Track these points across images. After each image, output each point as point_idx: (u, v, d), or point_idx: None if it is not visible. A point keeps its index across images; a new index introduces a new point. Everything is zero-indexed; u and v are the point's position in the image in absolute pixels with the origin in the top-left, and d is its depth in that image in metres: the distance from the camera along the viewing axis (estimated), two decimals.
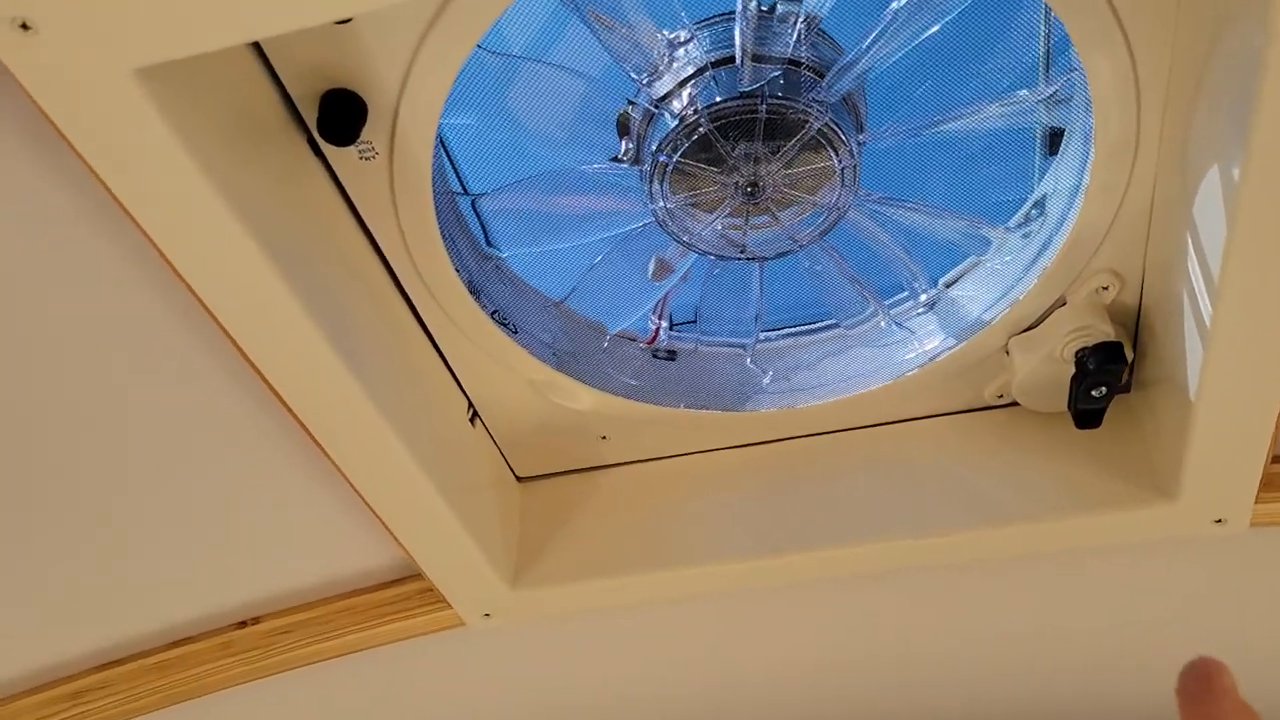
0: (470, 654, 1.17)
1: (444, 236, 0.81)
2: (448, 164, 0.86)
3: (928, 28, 0.75)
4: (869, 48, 0.77)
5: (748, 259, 0.91)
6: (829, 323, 1.02)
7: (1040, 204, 0.89)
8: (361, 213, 0.79)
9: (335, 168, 0.76)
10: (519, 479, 1.09)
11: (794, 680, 1.26)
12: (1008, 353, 0.94)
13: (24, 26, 0.54)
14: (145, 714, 1.13)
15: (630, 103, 0.82)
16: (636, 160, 0.83)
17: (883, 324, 0.99)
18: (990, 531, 0.95)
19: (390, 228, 0.80)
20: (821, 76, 0.79)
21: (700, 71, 0.79)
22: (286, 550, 1.01)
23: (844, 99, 0.81)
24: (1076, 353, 0.89)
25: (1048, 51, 0.81)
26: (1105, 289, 0.88)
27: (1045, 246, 0.87)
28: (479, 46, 0.70)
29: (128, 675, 1.09)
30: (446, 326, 0.89)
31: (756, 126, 0.79)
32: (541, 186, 0.89)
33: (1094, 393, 0.90)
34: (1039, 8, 0.78)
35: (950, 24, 0.76)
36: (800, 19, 0.78)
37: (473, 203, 0.89)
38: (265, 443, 0.88)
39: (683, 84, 0.79)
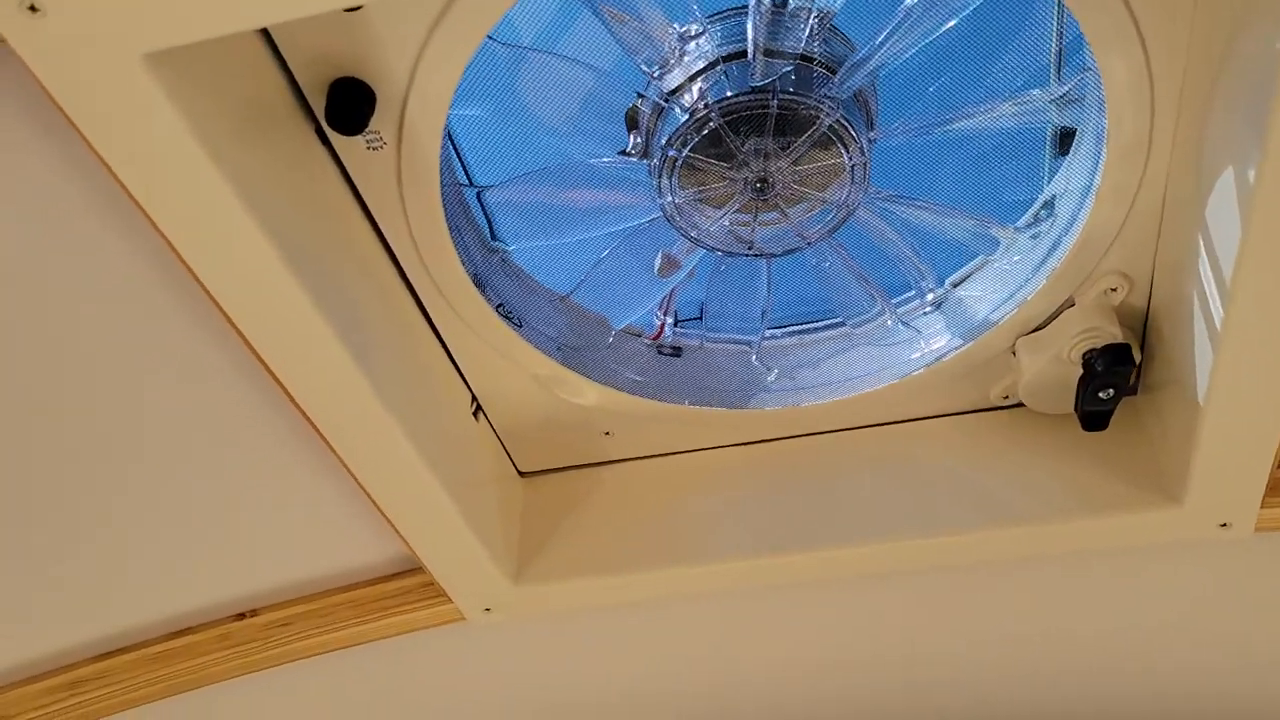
0: (471, 649, 1.16)
1: (450, 228, 0.81)
2: (454, 156, 0.86)
3: (941, 25, 0.75)
4: (881, 44, 0.77)
5: (755, 255, 0.90)
6: (835, 321, 1.02)
7: (1050, 204, 0.88)
8: (368, 203, 0.79)
9: (342, 157, 0.75)
10: (521, 474, 1.08)
11: (796, 680, 1.25)
12: (1014, 354, 0.93)
13: (32, 9, 0.53)
14: (142, 705, 1.12)
15: (640, 96, 0.81)
16: (645, 154, 0.83)
17: (889, 323, 0.98)
18: (995, 533, 0.94)
19: (396, 218, 0.79)
20: (833, 73, 0.79)
21: (711, 65, 0.78)
22: (287, 542, 1.01)
23: (855, 96, 0.81)
24: (1084, 354, 0.89)
25: (1060, 51, 0.80)
26: (1114, 291, 0.87)
27: (1054, 247, 0.87)
28: (489, 37, 0.70)
29: (126, 666, 1.09)
30: (451, 319, 0.89)
31: (767, 122, 0.78)
32: (549, 180, 0.88)
33: (1101, 395, 0.89)
34: (1052, 6, 0.78)
35: (963, 22, 0.76)
36: (813, 14, 0.77)
37: (478, 195, 0.88)
38: (268, 434, 0.88)
39: (693, 78, 0.79)
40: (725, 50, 0.78)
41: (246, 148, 0.65)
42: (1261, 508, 0.91)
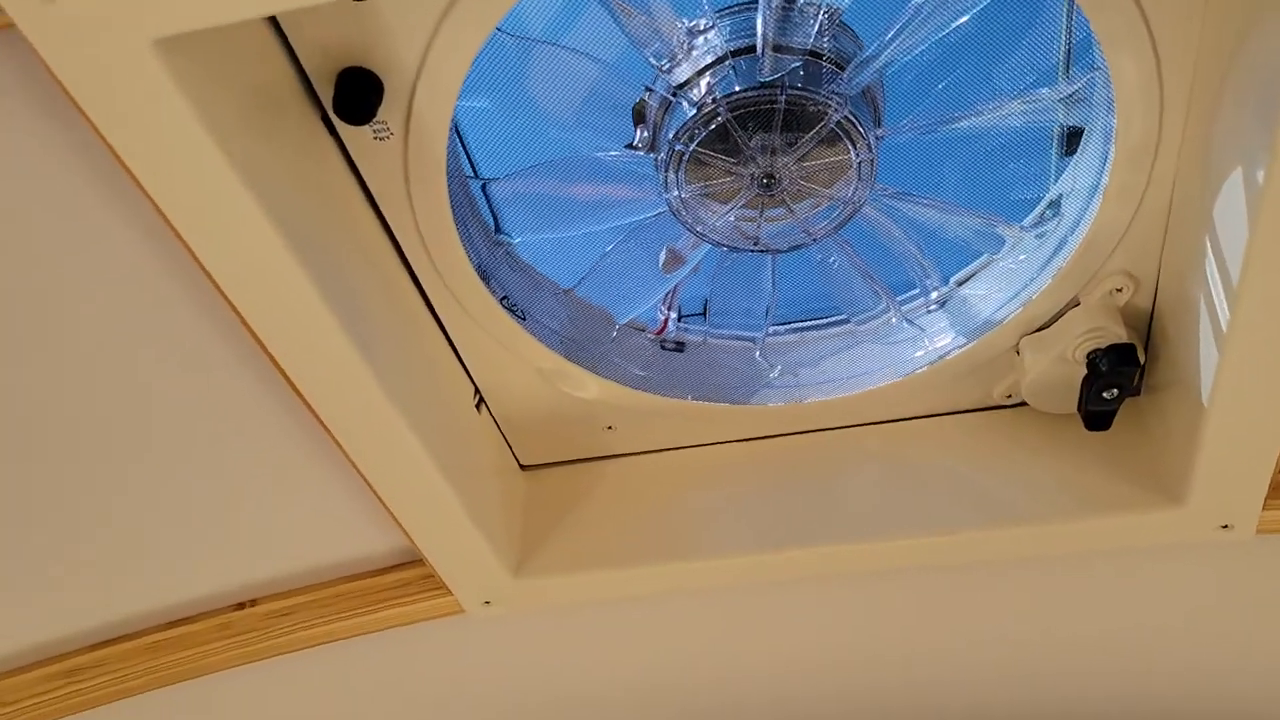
0: (470, 641, 1.16)
1: (456, 220, 0.81)
2: (460, 147, 0.86)
3: (951, 22, 0.75)
4: (890, 41, 0.77)
5: (760, 251, 0.90)
6: (839, 318, 1.02)
7: (1056, 204, 0.88)
8: (374, 193, 0.78)
9: (349, 147, 0.75)
10: (523, 467, 1.08)
11: (795, 677, 1.25)
12: (1018, 353, 0.93)
13: None
14: (140, 694, 1.12)
15: (648, 90, 0.81)
16: (652, 148, 0.83)
17: (893, 320, 0.98)
18: (996, 532, 0.94)
19: (402, 209, 0.79)
20: (841, 69, 0.79)
21: (720, 60, 0.78)
22: (287, 532, 1.00)
23: (863, 92, 0.80)
24: (1089, 354, 0.89)
25: (1069, 50, 0.80)
26: (1119, 291, 0.87)
27: (1060, 246, 0.87)
28: (497, 29, 0.70)
29: (124, 654, 1.09)
30: (456, 311, 0.89)
31: (775, 117, 0.78)
32: (554, 173, 0.88)
33: (1105, 395, 0.90)
34: (1062, 5, 0.78)
35: (972, 19, 0.75)
36: (822, 10, 0.77)
37: (484, 187, 0.88)
38: (270, 423, 0.88)
39: (701, 72, 0.78)
40: (734, 45, 0.78)
41: (254, 136, 0.65)
42: (1264, 510, 0.91)
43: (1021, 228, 0.90)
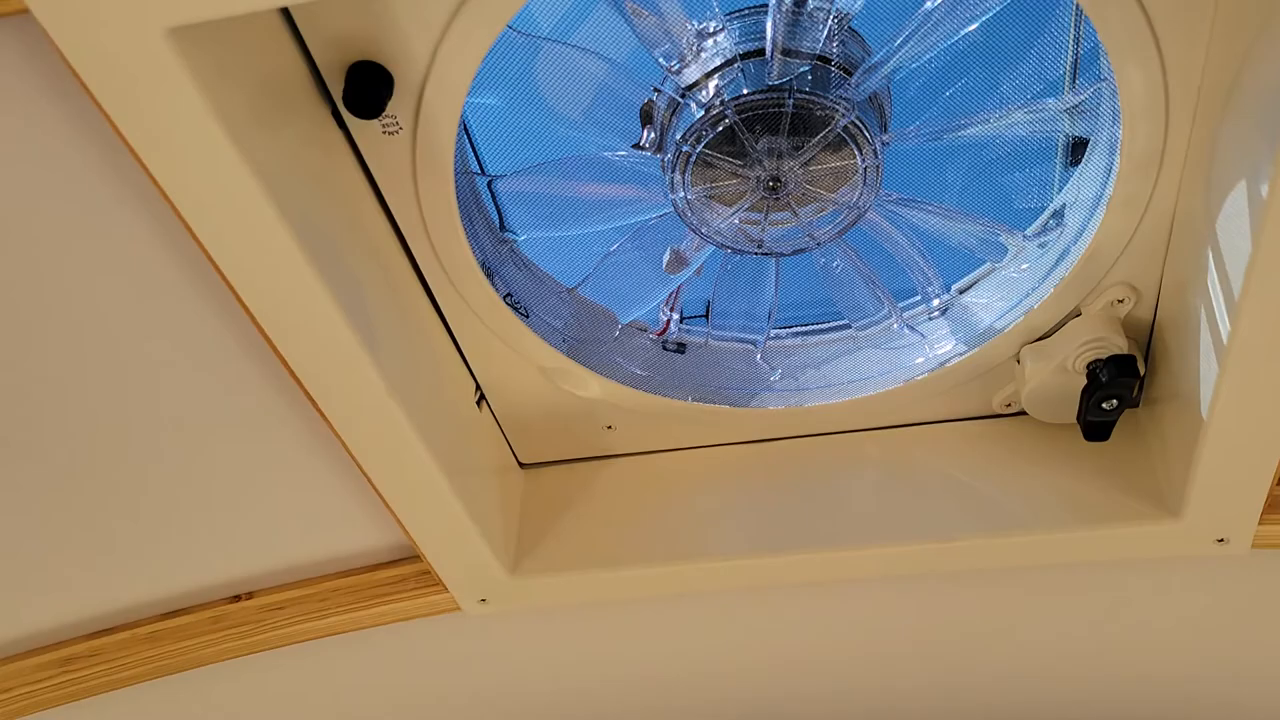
0: (465, 639, 1.16)
1: (462, 216, 0.81)
2: (468, 143, 0.86)
3: (960, 30, 0.75)
4: (899, 48, 0.77)
5: (764, 254, 0.90)
6: (840, 323, 1.02)
7: (1059, 214, 0.89)
8: (381, 187, 0.79)
9: (358, 140, 0.75)
10: (522, 465, 1.08)
11: (788, 680, 1.25)
12: (1019, 361, 0.94)
13: None
14: (133, 685, 1.12)
15: (656, 90, 0.81)
16: (659, 149, 0.83)
17: (894, 326, 0.98)
18: (992, 540, 0.94)
19: (409, 204, 0.79)
20: (849, 74, 0.79)
21: (729, 63, 0.78)
22: (285, 525, 1.00)
23: (870, 98, 0.81)
24: (1089, 365, 0.89)
25: (1076, 60, 0.81)
26: (1121, 302, 0.88)
27: (1062, 256, 0.87)
28: (509, 26, 0.70)
29: (118, 644, 1.08)
30: (459, 307, 0.89)
31: (782, 121, 0.78)
32: (561, 171, 0.88)
33: (1104, 405, 0.90)
34: (1069, 15, 0.78)
35: (980, 28, 0.76)
36: (832, 15, 0.77)
37: (489, 184, 0.88)
38: (270, 416, 0.88)
39: (710, 74, 0.79)
40: (743, 48, 0.78)
41: (264, 127, 0.65)
42: (1259, 524, 0.91)
43: (1024, 237, 0.90)
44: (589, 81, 0.80)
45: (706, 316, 1.01)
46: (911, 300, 0.99)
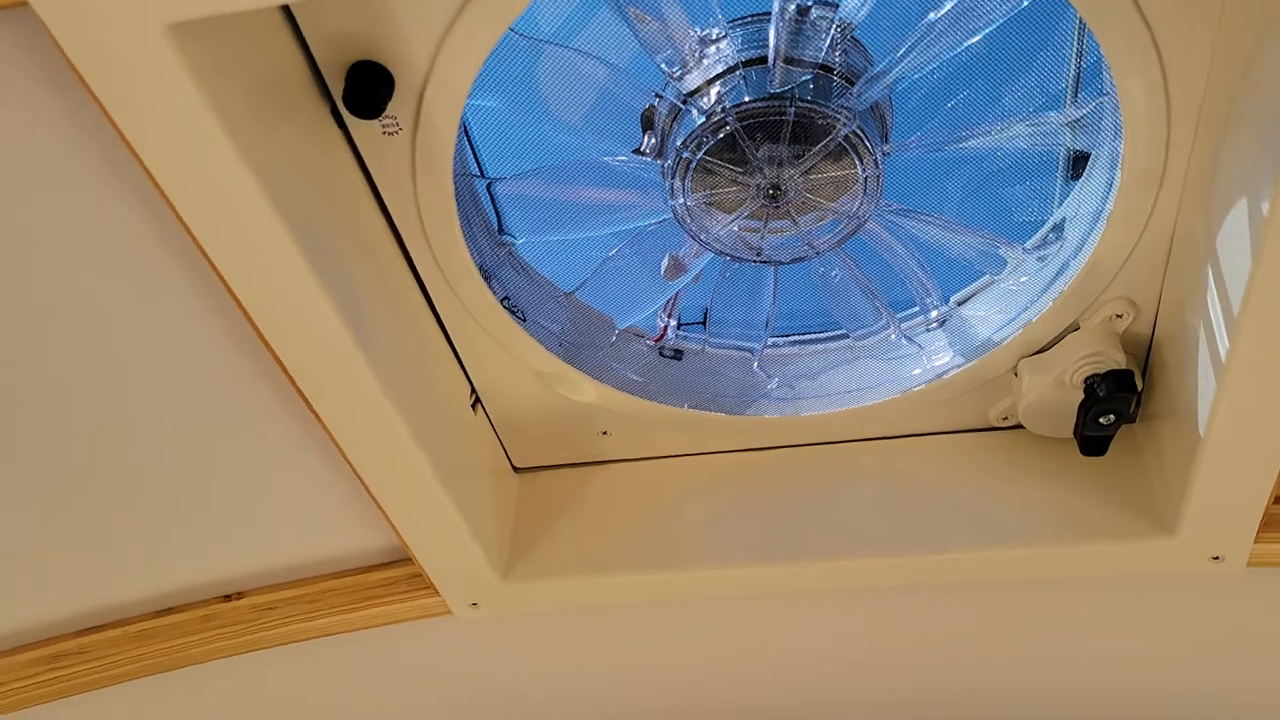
0: (456, 643, 1.16)
1: (460, 218, 0.81)
2: (467, 145, 0.86)
3: (963, 41, 0.75)
4: (901, 58, 0.77)
5: (763, 262, 0.90)
6: (838, 332, 1.02)
7: (1059, 227, 0.88)
8: (380, 188, 0.78)
9: (357, 140, 0.75)
10: (516, 469, 1.08)
11: (778, 690, 1.25)
12: (1016, 375, 0.93)
13: None
14: (122, 683, 1.12)
15: (658, 96, 0.81)
16: (659, 155, 0.83)
17: (892, 337, 0.98)
18: (986, 553, 0.94)
19: (408, 205, 0.79)
20: (851, 84, 0.79)
21: (731, 70, 0.78)
22: (277, 525, 1.00)
23: (872, 108, 0.81)
24: (1086, 379, 0.89)
25: (1078, 74, 0.81)
26: (1120, 317, 0.87)
27: (1062, 270, 0.87)
28: (511, 29, 0.70)
29: (107, 642, 1.08)
30: (456, 309, 0.88)
31: (783, 129, 0.78)
32: (561, 175, 0.88)
33: (1101, 420, 0.90)
34: (1072, 29, 0.78)
35: (983, 40, 0.76)
36: (835, 24, 0.77)
37: (489, 186, 0.88)
38: (264, 415, 0.88)
39: (712, 81, 0.79)
40: (745, 56, 0.78)
41: (263, 126, 0.65)
42: (1255, 542, 0.91)
43: (1024, 250, 0.90)
44: (590, 86, 0.80)
45: (704, 323, 1.00)
46: (910, 311, 0.98)
